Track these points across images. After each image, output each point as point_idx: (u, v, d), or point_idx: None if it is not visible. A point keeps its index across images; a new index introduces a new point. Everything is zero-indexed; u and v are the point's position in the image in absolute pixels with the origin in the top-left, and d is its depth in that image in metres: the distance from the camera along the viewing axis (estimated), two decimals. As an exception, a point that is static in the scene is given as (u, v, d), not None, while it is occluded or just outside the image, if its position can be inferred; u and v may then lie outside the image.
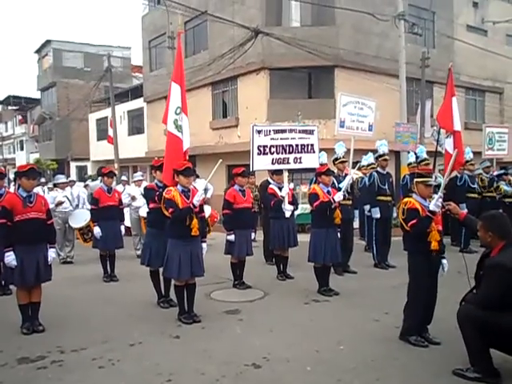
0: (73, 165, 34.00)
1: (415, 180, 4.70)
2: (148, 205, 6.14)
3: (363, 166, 9.82)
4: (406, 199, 4.67)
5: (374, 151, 9.12)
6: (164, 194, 5.30)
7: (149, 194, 6.04)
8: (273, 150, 6.79)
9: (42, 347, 4.69)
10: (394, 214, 9.07)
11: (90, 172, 29.76)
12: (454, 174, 10.20)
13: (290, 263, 7.88)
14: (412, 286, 4.63)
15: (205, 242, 5.65)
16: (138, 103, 25.20)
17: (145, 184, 10.04)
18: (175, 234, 5.32)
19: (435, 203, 4.42)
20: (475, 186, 10.35)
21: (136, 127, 25.98)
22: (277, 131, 6.81)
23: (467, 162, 10.25)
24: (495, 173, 11.01)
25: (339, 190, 6.83)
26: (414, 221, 4.47)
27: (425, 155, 10.02)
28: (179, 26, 15.57)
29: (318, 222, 6.51)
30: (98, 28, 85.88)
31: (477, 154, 15.33)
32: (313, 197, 6.47)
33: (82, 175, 30.18)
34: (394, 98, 15.12)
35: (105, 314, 5.88)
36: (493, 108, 22.41)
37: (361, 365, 4.21)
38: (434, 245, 4.50)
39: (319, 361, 4.32)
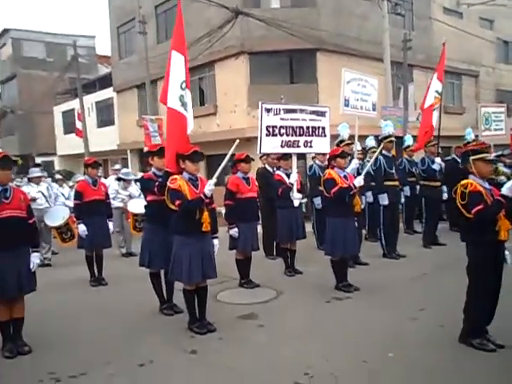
0: (38, 160, 32.18)
1: (471, 158, 3.98)
2: (145, 197, 5.31)
3: (370, 149, 9.29)
4: (464, 181, 3.95)
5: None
6: (169, 183, 4.48)
7: (146, 185, 5.20)
8: (282, 131, 6.04)
9: (30, 375, 3.86)
10: (402, 200, 8.56)
11: (57, 167, 28.33)
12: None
13: (296, 257, 7.20)
14: (476, 284, 3.95)
15: (216, 237, 4.89)
16: (106, 93, 23.99)
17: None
18: (183, 230, 4.52)
19: (510, 187, 3.72)
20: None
21: (105, 119, 24.76)
22: (287, 110, 6.07)
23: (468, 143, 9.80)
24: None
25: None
26: (480, 206, 3.78)
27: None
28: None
29: (336, 210, 5.80)
30: (60, 17, 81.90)
31: (453, 138, 15.14)
32: (329, 183, 5.76)
33: (50, 171, 28.68)
34: (378, 82, 14.59)
35: (101, 326, 5.02)
36: (469, 91, 22.30)
37: (418, 375, 3.57)
38: (504, 234, 3.84)
39: (371, 373, 3.66)
